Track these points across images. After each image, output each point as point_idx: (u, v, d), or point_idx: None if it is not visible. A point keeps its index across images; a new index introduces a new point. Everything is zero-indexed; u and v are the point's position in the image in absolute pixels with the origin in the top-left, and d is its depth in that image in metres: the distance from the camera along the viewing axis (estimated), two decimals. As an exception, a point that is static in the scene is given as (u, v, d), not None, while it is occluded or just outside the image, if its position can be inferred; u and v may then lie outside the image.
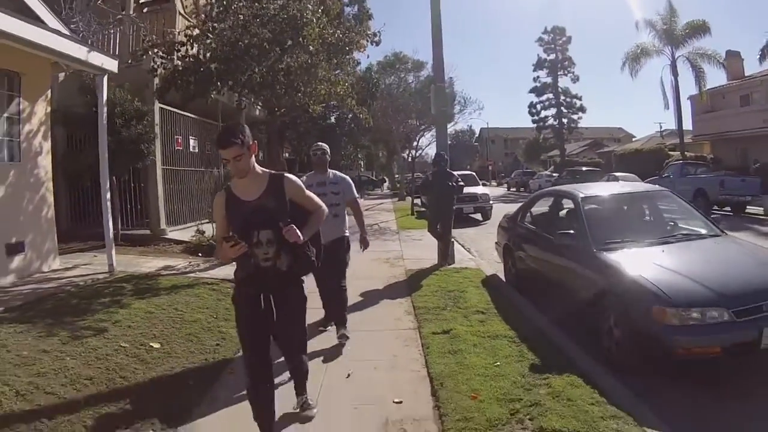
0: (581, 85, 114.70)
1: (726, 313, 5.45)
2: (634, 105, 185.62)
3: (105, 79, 10.78)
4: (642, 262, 6.47)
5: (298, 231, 4.08)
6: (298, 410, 4.99)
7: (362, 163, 55.56)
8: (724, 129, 40.87)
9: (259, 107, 16.33)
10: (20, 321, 6.89)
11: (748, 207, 23.60)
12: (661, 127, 41.89)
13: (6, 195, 9.30)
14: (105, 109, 10.97)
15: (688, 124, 45.51)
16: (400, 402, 5.31)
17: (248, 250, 4.08)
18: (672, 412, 4.90)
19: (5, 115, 9.73)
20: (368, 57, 22.77)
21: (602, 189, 9.37)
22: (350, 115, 24.76)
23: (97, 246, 12.87)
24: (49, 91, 11.24)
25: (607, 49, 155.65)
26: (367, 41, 14.88)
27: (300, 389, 5.01)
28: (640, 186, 10.41)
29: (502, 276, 11.03)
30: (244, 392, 4.62)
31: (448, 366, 5.99)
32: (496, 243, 11.98)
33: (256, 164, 4.32)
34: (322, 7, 12.43)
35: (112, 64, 10.74)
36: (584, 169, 46.14)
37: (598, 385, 5.25)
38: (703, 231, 7.85)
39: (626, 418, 4.57)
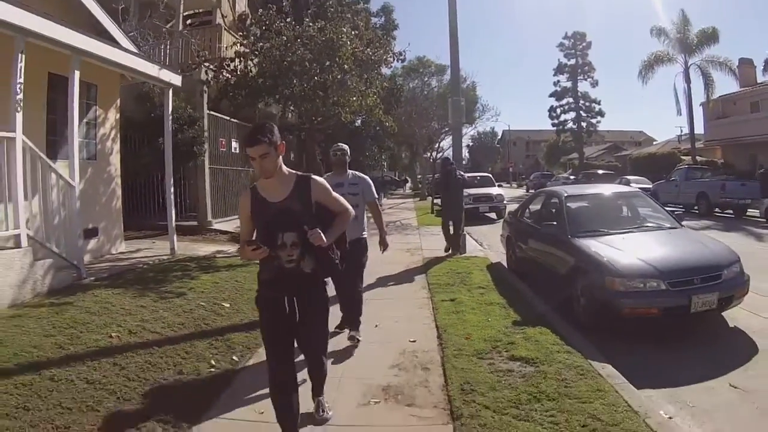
0: (606, 88, 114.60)
1: (663, 284, 7.28)
2: (656, 108, 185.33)
3: (170, 91, 12.60)
4: (603, 246, 8.31)
5: (322, 234, 4.11)
6: (313, 412, 5.03)
7: (386, 163, 56.68)
8: (735, 135, 41.71)
9: (295, 114, 17.82)
10: (113, 287, 8.69)
11: (749, 210, 24.39)
12: (681, 131, 42.86)
13: (85, 188, 10.85)
14: (170, 118, 12.75)
15: (702, 129, 46.74)
16: (414, 341, 7.19)
17: (272, 252, 4.13)
18: (615, 354, 6.57)
19: (85, 120, 11.50)
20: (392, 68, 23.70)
21: (585, 189, 11.46)
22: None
23: (151, 235, 14.77)
24: (118, 100, 13.07)
25: (632, 52, 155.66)
26: (394, 59, 16.70)
27: (317, 391, 5.02)
28: (617, 188, 12.05)
29: (505, 263, 12.81)
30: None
31: (451, 320, 7.86)
32: (500, 235, 13.84)
33: (283, 165, 4.33)
34: (355, 32, 14.15)
35: (177, 79, 12.59)
36: (600, 172, 46.93)
37: (561, 334, 7.05)
38: (664, 224, 9.63)
39: (576, 353, 6.32)
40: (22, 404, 4.74)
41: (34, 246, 8.14)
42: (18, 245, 7.85)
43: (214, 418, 5.11)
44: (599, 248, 8.23)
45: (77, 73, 9.48)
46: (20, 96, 8.03)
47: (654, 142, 78.47)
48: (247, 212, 4.31)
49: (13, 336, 6.07)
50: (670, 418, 5.05)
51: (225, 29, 19.65)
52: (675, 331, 7.58)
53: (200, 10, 24.34)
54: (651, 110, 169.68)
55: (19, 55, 8.02)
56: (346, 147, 7.70)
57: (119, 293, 8.29)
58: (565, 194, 10.34)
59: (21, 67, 8.04)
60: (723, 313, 8.09)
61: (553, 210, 10.45)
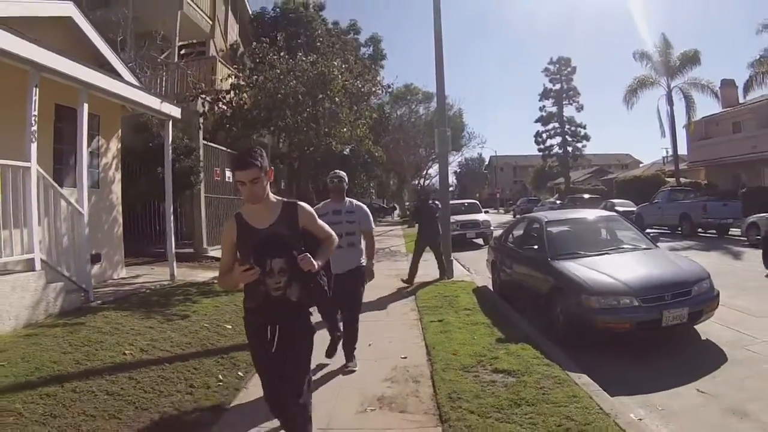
0: (592, 112, 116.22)
1: (635, 300, 7.92)
2: (643, 131, 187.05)
3: (170, 123, 13.19)
4: (580, 267, 8.94)
5: (312, 259, 4.09)
6: None
7: (374, 191, 57.33)
8: (718, 155, 42.62)
9: (286, 144, 18.35)
10: (120, 309, 9.20)
11: (731, 230, 25.03)
12: (666, 153, 43.62)
13: (90, 215, 11.08)
14: (170, 149, 13.31)
15: (686, 150, 47.59)
16: (405, 357, 7.75)
17: (259, 278, 4.08)
18: (592, 366, 7.11)
19: (89, 149, 12.03)
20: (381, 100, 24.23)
21: (565, 215, 12.15)
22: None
23: (148, 261, 15.28)
24: (119, 130, 13.66)
25: (619, 74, 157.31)
26: (383, 91, 17.41)
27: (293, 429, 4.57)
28: (596, 212, 12.65)
29: (490, 287, 13.38)
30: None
31: (439, 339, 8.41)
32: (486, 260, 14.46)
33: (270, 191, 4.32)
34: (345, 65, 14.81)
35: (177, 112, 13.17)
36: (586, 196, 47.67)
37: (542, 349, 7.61)
38: (640, 245, 10.29)
39: (555, 365, 6.89)
40: (49, 412, 5.26)
41: (46, 269, 8.63)
42: (32, 268, 8.35)
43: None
44: (576, 269, 8.85)
45: (86, 106, 10.03)
46: (35, 128, 8.55)
47: (640, 165, 78.83)
48: (231, 239, 4.29)
49: (33, 353, 6.59)
50: (640, 419, 5.59)
51: (219, 61, 20.33)
52: (650, 343, 8.16)
53: (194, 41, 25.02)
54: (637, 132, 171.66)
55: (34, 88, 8.53)
56: (344, 174, 7.70)
57: (127, 315, 8.80)
58: (546, 219, 11.07)
59: (35, 100, 8.56)
60: (697, 327, 8.69)
61: (535, 234, 11.07)
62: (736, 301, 10.41)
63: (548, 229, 10.63)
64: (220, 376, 6.80)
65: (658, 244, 10.96)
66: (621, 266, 8.89)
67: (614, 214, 12.38)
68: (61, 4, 11.26)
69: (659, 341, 8.25)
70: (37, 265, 8.43)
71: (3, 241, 7.97)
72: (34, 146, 8.52)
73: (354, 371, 7.27)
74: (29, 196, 8.31)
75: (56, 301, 8.72)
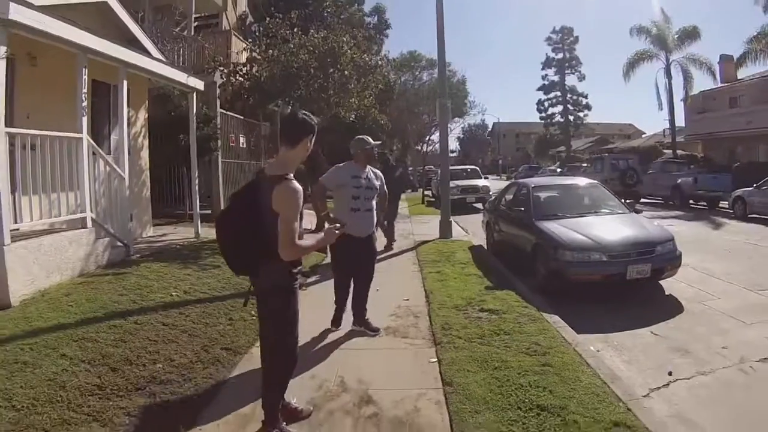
0: (597, 81, 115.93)
1: (603, 256, 9.29)
2: (646, 102, 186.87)
3: (195, 95, 14.40)
4: (559, 227, 10.29)
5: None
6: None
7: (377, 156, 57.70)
8: (714, 129, 42.99)
9: None
10: (158, 261, 10.60)
11: (722, 202, 25.82)
12: (672, 124, 44.07)
13: None
14: (195, 119, 14.54)
15: (685, 123, 48.28)
16: (407, 299, 9.17)
17: None
18: (566, 311, 8.44)
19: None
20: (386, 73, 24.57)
21: (550, 181, 13.53)
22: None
23: (170, 222, 16.61)
24: (147, 101, 14.89)
25: (625, 45, 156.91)
26: (388, 64, 18.54)
27: None
28: (580, 180, 13.89)
29: (485, 245, 14.75)
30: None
31: (436, 286, 9.86)
32: (482, 222, 15.88)
33: None
34: (354, 41, 15.94)
35: (201, 85, 14.36)
36: (584, 165, 48.63)
37: (523, 295, 9.06)
38: (616, 210, 11.61)
39: (532, 307, 8.29)
40: (119, 338, 6.63)
41: (95, 227, 9.94)
42: (84, 226, 9.64)
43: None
44: (555, 228, 10.19)
45: (125, 83, 11.30)
46: (85, 103, 9.76)
47: (643, 135, 78.79)
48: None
49: (94, 295, 7.98)
50: (598, 351, 6.94)
51: (234, 34, 21.47)
52: (619, 296, 9.46)
53: (205, 14, 26.02)
54: (641, 103, 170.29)
55: (83, 69, 9.72)
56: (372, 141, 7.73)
57: (166, 265, 10.18)
58: (532, 185, 12.42)
59: (85, 79, 9.76)
60: (662, 284, 10.07)
61: (522, 198, 12.34)
62: (704, 264, 11.89)
63: (534, 193, 11.93)
64: (253, 312, 7.82)
65: (650, 214, 12.20)
66: (595, 227, 10.21)
67: (596, 181, 13.62)
68: (98, -10, 12.39)
69: (628, 294, 9.55)
70: (89, 223, 9.72)
71: (60, 202, 9.30)
72: (84, 120, 9.74)
73: (374, 333, 7.51)
74: (81, 163, 9.54)
75: (104, 255, 10.08)
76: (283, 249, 4.12)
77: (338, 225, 4.63)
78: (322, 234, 4.62)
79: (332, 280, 7.81)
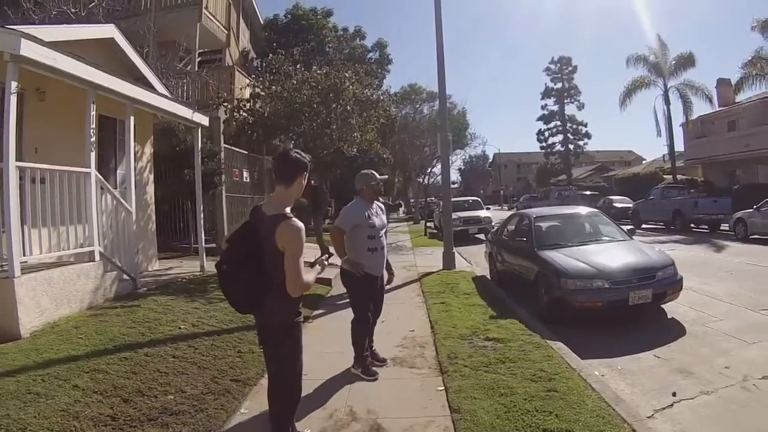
0: (596, 108, 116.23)
1: (606, 283, 9.37)
2: (646, 127, 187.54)
3: (200, 130, 14.58)
4: (561, 255, 10.41)
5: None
6: None
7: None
8: (713, 153, 43.59)
9: (301, 147, 19.64)
10: (165, 294, 10.69)
11: (723, 225, 25.99)
12: (672, 150, 44.14)
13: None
14: (200, 154, 14.71)
15: (684, 148, 48.58)
16: (413, 330, 9.27)
17: None
18: (570, 338, 8.50)
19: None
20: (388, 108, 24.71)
21: (552, 210, 13.73)
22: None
23: (176, 255, 16.75)
24: (152, 136, 15.07)
25: (624, 71, 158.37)
26: (389, 99, 18.81)
27: None
28: (579, 209, 13.96)
29: (488, 275, 14.85)
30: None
31: (441, 317, 9.91)
32: (485, 252, 15.98)
33: None
34: (356, 76, 16.16)
35: (205, 120, 14.57)
36: (587, 193, 48.72)
37: (527, 324, 9.12)
38: (617, 237, 11.78)
39: (536, 335, 8.37)
40: (129, 370, 6.71)
41: (103, 260, 10.07)
42: (92, 259, 9.78)
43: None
44: (557, 257, 10.32)
45: (132, 118, 11.49)
46: (93, 138, 9.96)
47: (643, 161, 79.16)
48: None
49: (103, 328, 8.09)
50: (602, 375, 7.03)
51: (238, 70, 21.75)
52: (622, 321, 9.57)
53: (208, 50, 26.34)
54: (640, 129, 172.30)
55: (92, 104, 9.94)
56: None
57: (173, 299, 10.29)
58: (534, 215, 12.57)
59: (93, 114, 9.98)
60: (665, 307, 10.21)
61: (525, 228, 12.49)
62: (706, 287, 12.04)
63: (536, 223, 12.10)
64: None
65: (651, 239, 12.31)
66: (596, 255, 10.34)
67: (596, 210, 13.75)
68: (105, 27, 12.61)
69: (631, 319, 9.66)
70: (97, 256, 9.85)
71: (68, 235, 9.45)
72: (93, 155, 9.93)
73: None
74: (90, 197, 9.71)
75: (111, 288, 10.21)
76: (291, 285, 4.21)
77: (326, 256, 4.66)
78: (318, 267, 4.70)
79: (338, 313, 7.92)
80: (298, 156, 4.57)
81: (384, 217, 7.54)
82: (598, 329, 9.30)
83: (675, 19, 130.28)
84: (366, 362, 7.22)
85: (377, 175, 7.57)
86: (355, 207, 7.31)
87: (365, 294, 7.27)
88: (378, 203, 7.69)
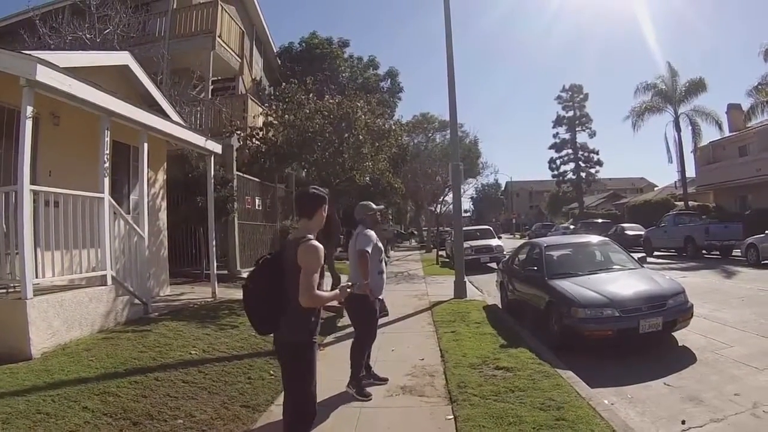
0: (607, 135, 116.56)
1: (616, 311, 9.36)
2: (657, 154, 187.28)
3: (212, 158, 14.70)
4: (572, 284, 10.41)
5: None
6: None
7: (392, 217, 58.05)
8: (725, 178, 43.39)
9: (314, 176, 19.72)
10: (177, 320, 10.72)
11: (734, 251, 25.97)
12: (683, 176, 43.94)
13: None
14: (212, 181, 14.81)
15: (695, 174, 48.55)
16: (423, 359, 9.20)
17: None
18: (580, 367, 8.44)
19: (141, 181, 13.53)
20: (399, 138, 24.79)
21: (562, 240, 13.74)
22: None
23: (187, 281, 16.81)
24: (165, 163, 15.19)
25: (632, 100, 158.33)
26: (401, 130, 18.95)
27: None
28: (590, 237, 14.00)
29: (499, 304, 14.83)
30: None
31: (451, 345, 9.88)
32: (496, 281, 16.00)
33: None
34: (368, 106, 16.28)
35: (218, 148, 14.72)
36: (599, 221, 48.54)
37: (537, 353, 9.07)
38: (627, 265, 11.77)
39: (546, 364, 8.33)
40: (139, 394, 6.75)
41: (115, 284, 10.14)
42: (104, 283, 9.85)
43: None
44: (568, 286, 10.32)
45: (146, 145, 11.64)
46: (107, 165, 10.07)
47: (655, 188, 78.94)
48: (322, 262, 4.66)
49: (114, 352, 8.14)
50: (612, 404, 7.00)
51: (251, 98, 21.99)
52: (633, 349, 9.50)
53: (222, 77, 26.60)
54: (652, 156, 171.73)
55: (106, 131, 10.06)
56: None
57: (185, 324, 10.33)
58: (545, 244, 12.63)
59: (107, 141, 10.09)
60: (676, 335, 10.12)
61: (536, 257, 12.52)
62: (717, 314, 11.98)
63: (547, 252, 12.15)
64: (272, 372, 8.15)
65: (663, 266, 12.27)
66: (606, 283, 10.34)
67: (606, 239, 13.76)
68: (120, 54, 12.88)
69: (641, 347, 9.60)
70: (109, 281, 9.93)
71: (81, 258, 9.55)
72: (106, 180, 10.06)
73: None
74: (103, 222, 9.80)
75: (123, 312, 10.26)
76: (303, 295, 4.45)
77: (350, 284, 4.83)
78: (337, 290, 4.96)
79: (348, 341, 7.93)
80: (316, 191, 4.98)
81: (380, 244, 7.93)
82: (609, 357, 9.25)
83: (683, 44, 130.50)
84: (361, 383, 7.53)
85: (374, 206, 8.11)
86: (371, 234, 7.72)
87: (373, 316, 7.63)
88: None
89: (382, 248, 7.97)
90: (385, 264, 7.98)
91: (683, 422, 6.40)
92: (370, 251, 7.58)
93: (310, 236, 4.69)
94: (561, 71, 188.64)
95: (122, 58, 12.77)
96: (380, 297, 7.81)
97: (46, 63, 8.01)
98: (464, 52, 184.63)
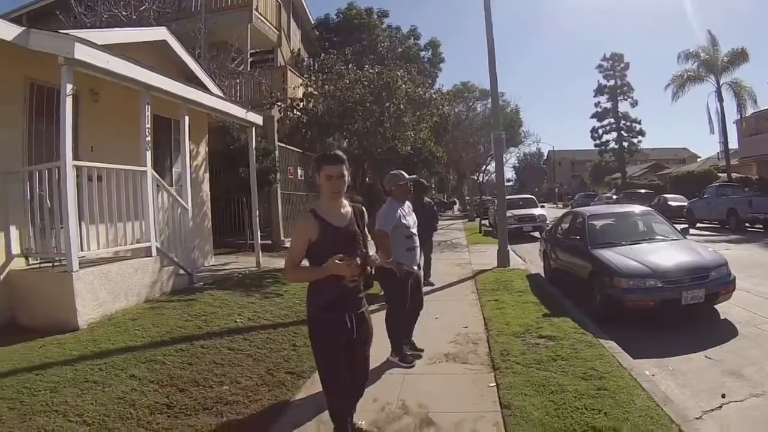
0: (650, 105, 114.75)
1: (659, 282, 9.25)
2: (700, 124, 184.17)
3: (254, 129, 14.82)
4: (614, 254, 10.30)
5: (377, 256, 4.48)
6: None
7: (434, 186, 57.94)
8: (768, 150, 42.45)
9: (355, 146, 19.78)
10: (221, 289, 10.97)
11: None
12: (726, 147, 43.09)
13: None
14: (254, 152, 14.94)
15: (738, 146, 47.76)
16: (466, 327, 9.24)
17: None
18: (622, 337, 8.43)
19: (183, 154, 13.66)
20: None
21: (605, 209, 13.64)
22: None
23: (231, 251, 17.10)
24: (207, 136, 15.33)
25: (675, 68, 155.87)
26: (441, 99, 18.88)
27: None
28: (632, 207, 14.01)
29: (542, 273, 14.82)
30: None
31: (495, 314, 9.90)
32: (539, 250, 15.92)
33: None
34: (408, 75, 16.23)
35: (259, 120, 14.86)
36: (642, 191, 48.11)
37: (580, 322, 9.05)
38: (670, 236, 11.59)
39: (588, 334, 8.31)
40: (186, 361, 6.92)
41: (160, 255, 10.33)
42: (149, 254, 10.05)
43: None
44: (611, 256, 10.21)
45: (187, 118, 11.78)
46: (149, 138, 10.21)
47: (698, 159, 77.44)
48: (309, 236, 4.35)
49: (160, 321, 8.36)
50: (653, 375, 6.98)
51: (290, 70, 21.99)
52: (674, 321, 9.43)
53: (260, 50, 26.61)
54: (695, 126, 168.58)
55: (146, 105, 10.18)
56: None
57: (229, 293, 10.53)
58: (588, 214, 12.55)
59: (148, 115, 10.22)
60: (718, 308, 9.99)
61: (578, 227, 12.41)
62: (760, 288, 11.75)
63: (590, 222, 12.05)
64: None
65: (705, 238, 12.09)
66: (649, 253, 10.20)
67: (649, 209, 13.62)
68: (157, 30, 12.95)
69: (683, 319, 9.50)
70: (154, 252, 10.11)
71: (126, 231, 9.78)
72: (148, 153, 10.21)
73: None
74: (146, 194, 10.00)
75: (168, 282, 10.48)
76: (283, 270, 4.59)
77: (341, 255, 4.24)
78: (326, 264, 4.26)
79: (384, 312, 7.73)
80: (319, 155, 4.71)
81: (414, 216, 7.87)
82: (651, 329, 9.19)
83: (725, 13, 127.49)
84: (403, 351, 7.54)
85: (405, 175, 7.84)
86: (390, 209, 7.55)
87: (403, 289, 7.45)
88: (408, 203, 7.97)
89: (412, 222, 7.67)
90: (416, 237, 7.67)
91: (723, 396, 6.34)
92: (389, 231, 7.31)
93: (313, 208, 4.51)
94: (599, 40, 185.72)
95: (159, 33, 12.86)
96: (412, 270, 7.59)
97: (83, 41, 8.14)
98: (504, 20, 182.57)
